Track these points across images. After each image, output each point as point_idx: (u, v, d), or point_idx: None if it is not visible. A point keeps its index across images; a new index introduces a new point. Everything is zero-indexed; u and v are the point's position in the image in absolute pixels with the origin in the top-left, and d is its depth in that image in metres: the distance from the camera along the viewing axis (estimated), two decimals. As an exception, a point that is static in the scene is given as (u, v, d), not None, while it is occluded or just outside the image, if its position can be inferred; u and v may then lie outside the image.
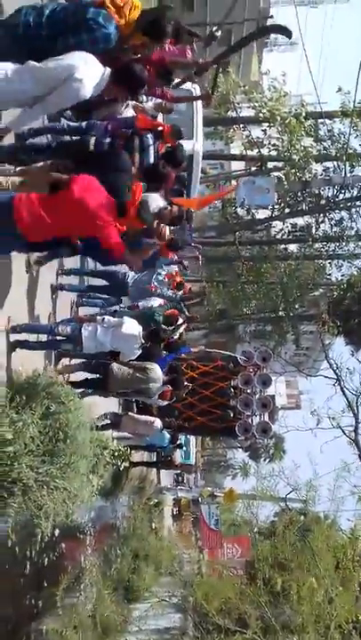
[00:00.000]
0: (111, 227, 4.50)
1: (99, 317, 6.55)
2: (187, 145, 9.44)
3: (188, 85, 9.96)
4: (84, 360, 7.33)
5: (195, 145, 11.27)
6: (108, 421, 9.54)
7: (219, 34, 10.16)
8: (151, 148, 5.92)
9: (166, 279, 8.56)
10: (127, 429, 10.05)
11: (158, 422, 10.26)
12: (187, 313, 9.44)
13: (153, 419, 10.27)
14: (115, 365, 7.16)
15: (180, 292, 9.23)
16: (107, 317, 6.60)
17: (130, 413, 10.35)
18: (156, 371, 7.40)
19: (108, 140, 5.33)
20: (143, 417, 10.28)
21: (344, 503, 13.04)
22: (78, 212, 4.33)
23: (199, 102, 11.74)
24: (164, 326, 7.45)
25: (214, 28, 9.08)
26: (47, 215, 4.23)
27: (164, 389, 8.55)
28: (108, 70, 4.16)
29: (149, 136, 5.91)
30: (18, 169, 4.72)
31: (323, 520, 13.76)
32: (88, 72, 3.92)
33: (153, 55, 5.30)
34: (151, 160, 5.96)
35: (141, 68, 4.59)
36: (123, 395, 8.15)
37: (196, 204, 9.21)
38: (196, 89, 11.58)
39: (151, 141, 5.88)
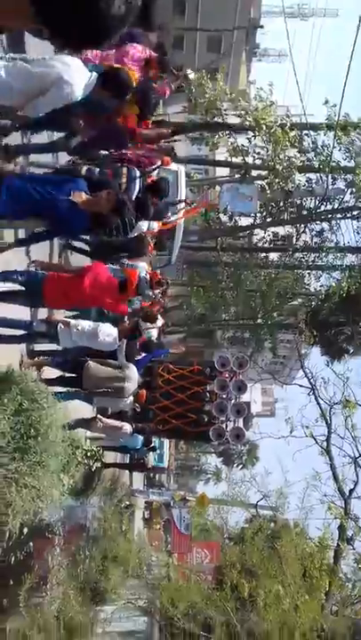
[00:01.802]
0: (115, 303, 5.97)
1: (73, 322, 6.46)
2: (171, 219, 11.86)
3: (174, 167, 11.86)
4: (58, 358, 7.29)
5: (179, 220, 12.79)
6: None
7: (192, 76, 11.04)
8: (137, 180, 6.43)
9: (148, 276, 8.55)
10: (96, 430, 9.95)
11: (128, 427, 10.13)
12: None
13: (122, 423, 10.14)
14: (91, 363, 7.15)
15: (160, 291, 9.20)
16: (80, 324, 6.48)
17: (99, 416, 10.19)
18: (132, 370, 7.40)
19: (97, 170, 5.92)
20: (112, 421, 10.18)
21: (313, 512, 13.15)
22: (90, 299, 5.88)
23: (183, 179, 13.35)
24: (141, 322, 7.41)
25: (188, 71, 9.47)
26: (66, 297, 5.76)
27: (140, 392, 8.56)
28: (95, 74, 4.39)
29: (136, 169, 6.46)
30: None
31: (292, 528, 13.85)
32: (75, 75, 4.09)
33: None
34: (136, 190, 6.50)
35: (127, 75, 4.91)
36: (98, 394, 8.09)
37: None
38: (181, 171, 13.18)
39: (138, 174, 6.45)
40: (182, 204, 12.38)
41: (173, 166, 11.63)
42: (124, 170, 6.20)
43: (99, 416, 10.06)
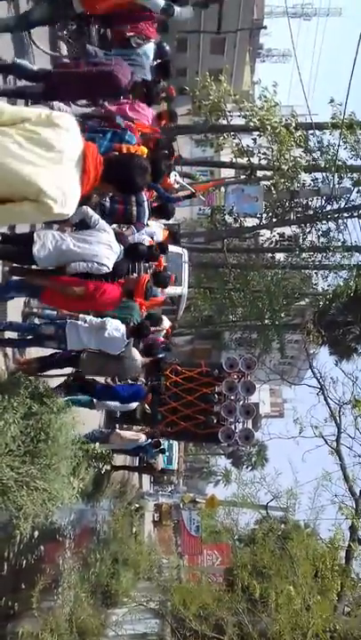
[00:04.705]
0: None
1: (81, 316, 6.40)
2: (176, 289, 14.18)
3: (177, 249, 13.88)
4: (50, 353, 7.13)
5: (183, 289, 15.12)
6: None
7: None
8: (145, 204, 6.70)
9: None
10: (115, 444, 10.23)
11: (143, 437, 10.63)
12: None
13: (138, 435, 10.61)
14: (84, 356, 6.94)
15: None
16: (88, 318, 6.44)
17: (117, 430, 10.50)
18: (135, 362, 7.20)
19: (107, 201, 6.14)
20: (129, 433, 10.59)
21: (324, 512, 13.09)
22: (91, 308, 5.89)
23: (186, 256, 15.18)
24: (146, 322, 7.30)
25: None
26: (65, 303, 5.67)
27: (147, 397, 8.60)
28: (122, 248, 5.61)
29: (144, 193, 6.69)
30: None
31: (303, 528, 13.80)
32: (108, 254, 5.23)
33: None
34: (147, 214, 6.81)
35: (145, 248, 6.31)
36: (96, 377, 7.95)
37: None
38: (185, 253, 15.09)
39: (145, 198, 6.70)
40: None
41: (177, 249, 13.76)
42: (132, 197, 6.35)
43: (117, 431, 10.32)
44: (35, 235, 4.90)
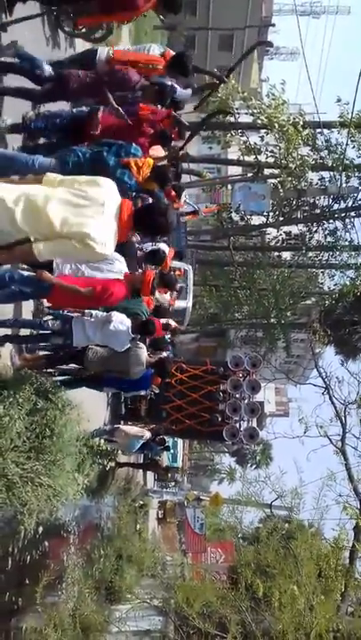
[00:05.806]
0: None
1: (86, 311, 6.38)
2: (182, 303, 14.71)
3: (183, 265, 14.48)
4: (51, 352, 7.10)
5: (188, 303, 15.68)
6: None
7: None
8: None
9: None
10: (120, 440, 10.28)
11: (148, 434, 10.69)
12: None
13: (143, 432, 10.67)
14: (90, 351, 6.89)
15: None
16: (94, 312, 6.41)
17: (121, 427, 10.61)
18: (140, 354, 7.15)
19: None
20: (134, 429, 10.67)
21: (329, 512, 13.04)
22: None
23: (191, 273, 15.74)
24: (152, 318, 7.25)
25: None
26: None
27: (155, 379, 8.51)
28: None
29: (150, 199, 6.73)
30: None
31: (307, 528, 13.77)
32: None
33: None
34: None
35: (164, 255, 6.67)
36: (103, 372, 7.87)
37: None
38: (189, 269, 15.70)
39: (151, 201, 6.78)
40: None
41: (183, 265, 14.23)
42: (139, 201, 6.35)
43: (121, 427, 10.36)
44: (54, 264, 5.09)
